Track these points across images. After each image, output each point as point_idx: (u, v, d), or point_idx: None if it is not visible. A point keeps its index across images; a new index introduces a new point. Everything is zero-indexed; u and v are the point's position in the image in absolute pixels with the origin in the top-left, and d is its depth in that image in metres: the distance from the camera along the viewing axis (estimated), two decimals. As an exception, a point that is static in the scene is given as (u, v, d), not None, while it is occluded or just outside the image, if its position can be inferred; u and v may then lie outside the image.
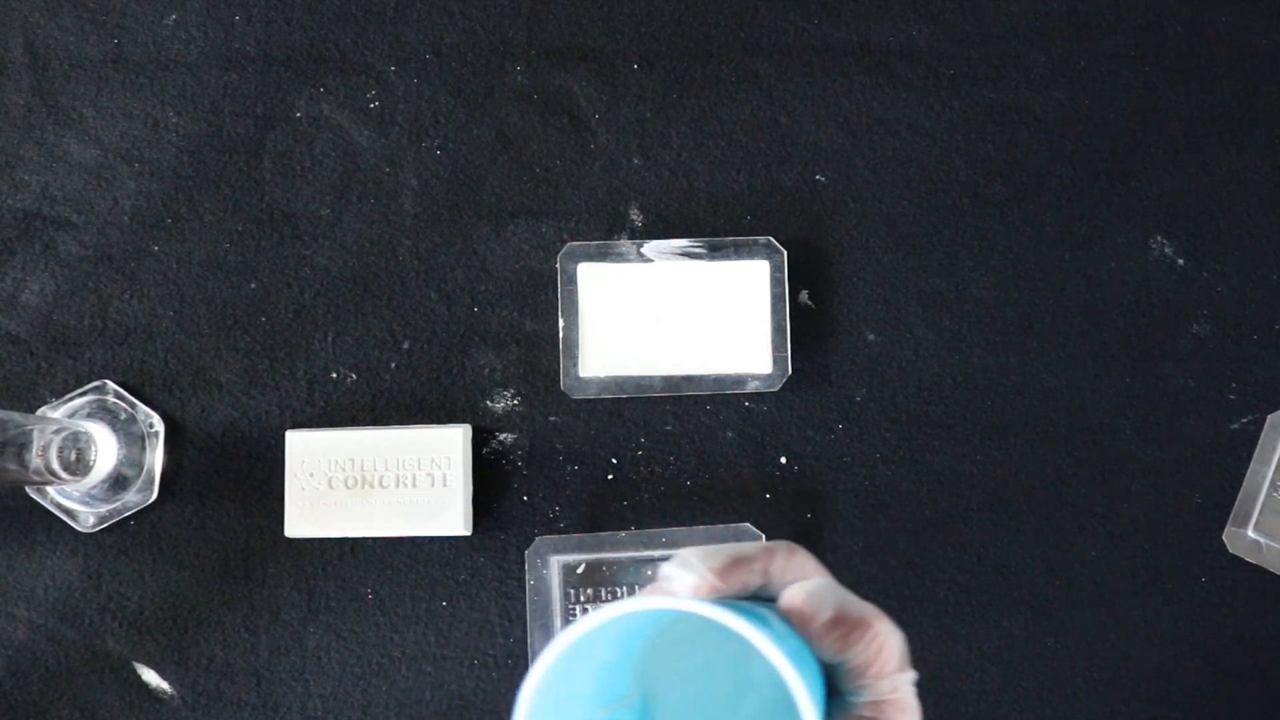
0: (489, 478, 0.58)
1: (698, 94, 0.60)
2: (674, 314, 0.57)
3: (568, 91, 0.60)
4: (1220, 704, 0.56)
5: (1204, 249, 0.59)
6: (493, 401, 0.59)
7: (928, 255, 0.59)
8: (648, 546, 0.56)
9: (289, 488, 0.57)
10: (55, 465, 0.54)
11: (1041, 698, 0.57)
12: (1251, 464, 0.57)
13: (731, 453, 0.58)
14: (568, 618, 0.56)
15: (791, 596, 0.32)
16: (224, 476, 0.59)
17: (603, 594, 0.56)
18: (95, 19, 0.61)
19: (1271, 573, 0.56)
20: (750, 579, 0.33)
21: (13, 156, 0.61)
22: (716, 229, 0.59)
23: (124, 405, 0.59)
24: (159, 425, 0.58)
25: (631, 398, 0.58)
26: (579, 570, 0.56)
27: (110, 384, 0.59)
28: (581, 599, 0.56)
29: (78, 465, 0.56)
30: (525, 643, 0.57)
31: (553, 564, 0.56)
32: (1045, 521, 0.57)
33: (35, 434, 0.53)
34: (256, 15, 0.61)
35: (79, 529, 0.58)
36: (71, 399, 0.59)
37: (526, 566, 0.56)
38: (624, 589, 0.56)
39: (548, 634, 0.56)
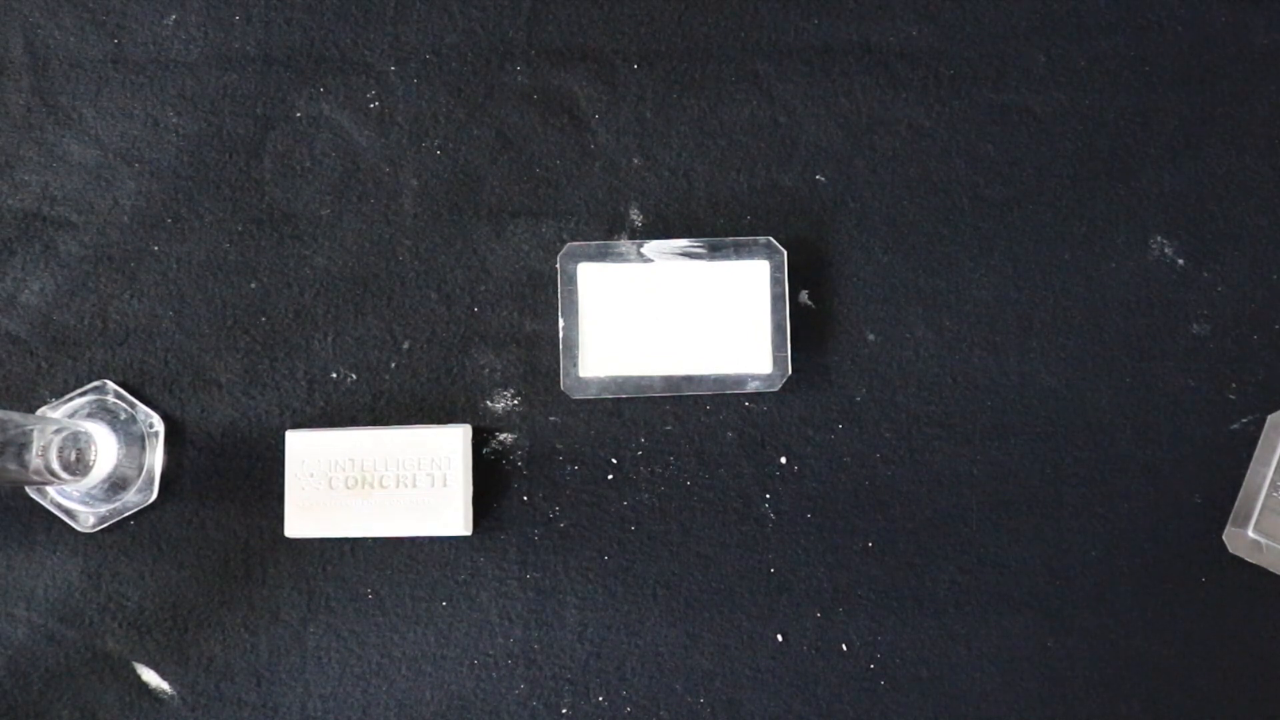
0: (489, 478, 0.58)
1: (698, 94, 0.60)
2: (674, 314, 0.57)
3: (568, 91, 0.60)
4: (1220, 704, 0.57)
5: (1204, 249, 0.59)
6: (493, 401, 0.59)
7: (928, 255, 0.59)
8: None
9: (289, 488, 0.57)
10: (55, 465, 0.54)
11: (1041, 698, 0.57)
12: (1251, 464, 0.57)
13: (731, 453, 0.58)
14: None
15: None
16: (224, 476, 0.59)
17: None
18: (95, 19, 0.61)
19: (1271, 573, 0.56)
20: None
21: (13, 156, 0.61)
22: (716, 229, 0.59)
23: (124, 405, 0.59)
24: (159, 425, 0.58)
25: (631, 398, 0.58)
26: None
27: (110, 384, 0.59)
28: None
29: (78, 465, 0.56)
30: (525, 643, 0.57)
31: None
32: (1045, 521, 0.57)
33: (35, 434, 0.53)
34: (256, 15, 0.61)
35: (79, 529, 0.58)
36: (71, 399, 0.59)
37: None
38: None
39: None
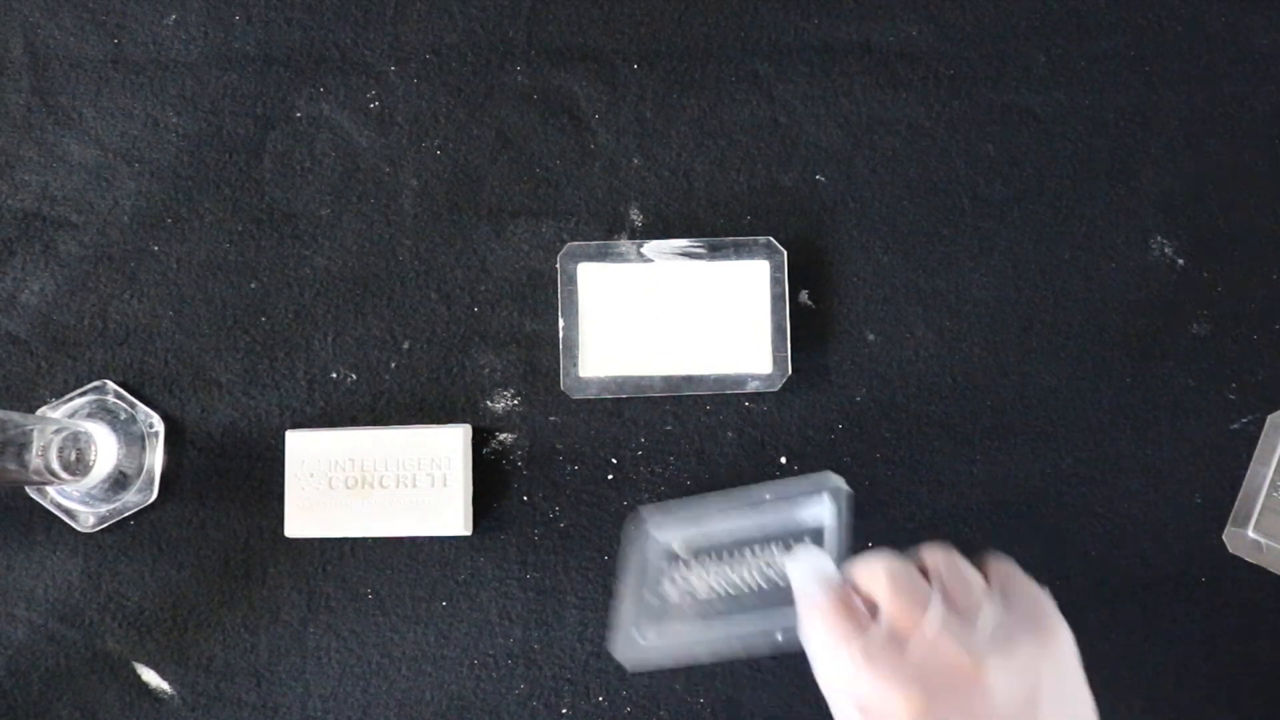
0: (489, 478, 0.58)
1: (698, 94, 0.60)
2: (674, 314, 0.57)
3: (568, 91, 0.60)
4: (1220, 704, 0.56)
5: (1204, 249, 0.59)
6: (493, 401, 0.59)
7: (928, 255, 0.59)
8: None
9: (289, 488, 0.57)
10: (55, 465, 0.54)
11: (1041, 698, 0.57)
12: (1251, 464, 0.57)
13: (731, 453, 0.58)
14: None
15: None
16: (224, 476, 0.59)
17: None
18: (95, 19, 0.61)
19: (1271, 573, 0.56)
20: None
21: (13, 156, 0.61)
22: (716, 229, 0.59)
23: (124, 405, 0.59)
24: (159, 425, 0.58)
25: (631, 398, 0.58)
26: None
27: (110, 384, 0.59)
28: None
29: (78, 465, 0.56)
30: (525, 643, 0.57)
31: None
32: (1045, 521, 0.57)
33: (35, 434, 0.53)
34: (256, 15, 0.61)
35: (79, 529, 0.58)
36: (71, 399, 0.59)
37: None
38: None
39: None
